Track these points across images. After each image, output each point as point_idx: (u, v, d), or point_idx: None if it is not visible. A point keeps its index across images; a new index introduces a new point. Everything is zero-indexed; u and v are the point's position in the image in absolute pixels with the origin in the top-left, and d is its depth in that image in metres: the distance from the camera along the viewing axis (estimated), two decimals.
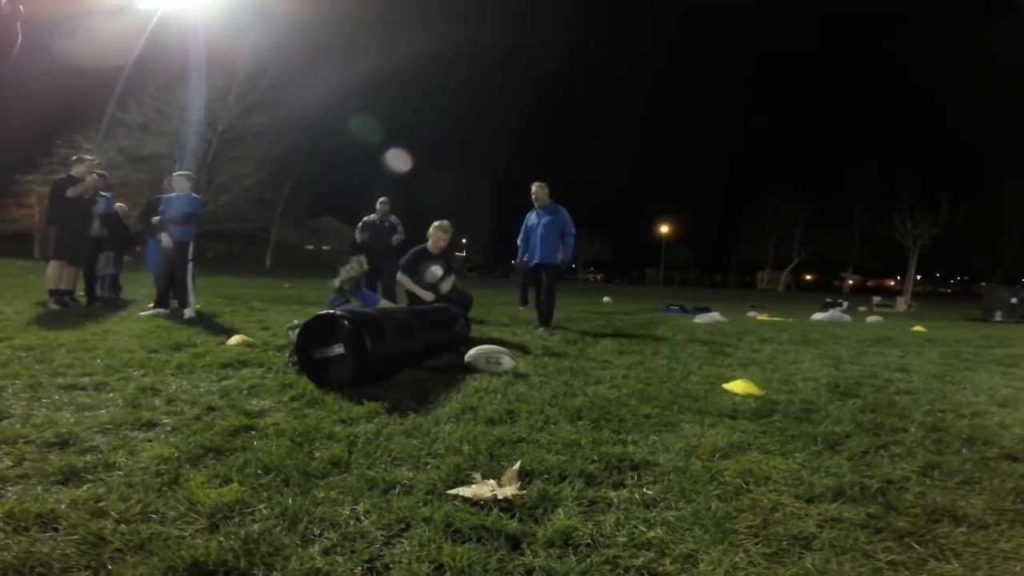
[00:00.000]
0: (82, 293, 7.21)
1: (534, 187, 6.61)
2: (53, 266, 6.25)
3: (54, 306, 6.01)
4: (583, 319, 8.49)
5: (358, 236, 8.51)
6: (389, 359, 3.19)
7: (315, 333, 3.09)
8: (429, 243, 5.68)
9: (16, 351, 3.52)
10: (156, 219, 6.58)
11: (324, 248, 61.93)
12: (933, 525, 1.60)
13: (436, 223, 5.71)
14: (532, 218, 6.72)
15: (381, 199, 8.49)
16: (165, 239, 6.30)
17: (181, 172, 6.88)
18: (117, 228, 7.53)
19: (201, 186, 27.69)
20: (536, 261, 6.59)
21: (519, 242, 6.93)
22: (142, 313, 6.01)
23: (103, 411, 2.39)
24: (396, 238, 8.42)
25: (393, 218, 8.51)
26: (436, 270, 5.61)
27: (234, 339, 4.39)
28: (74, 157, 6.83)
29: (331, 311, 3.19)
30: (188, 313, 6.16)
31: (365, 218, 8.51)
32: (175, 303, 6.63)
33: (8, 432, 2.03)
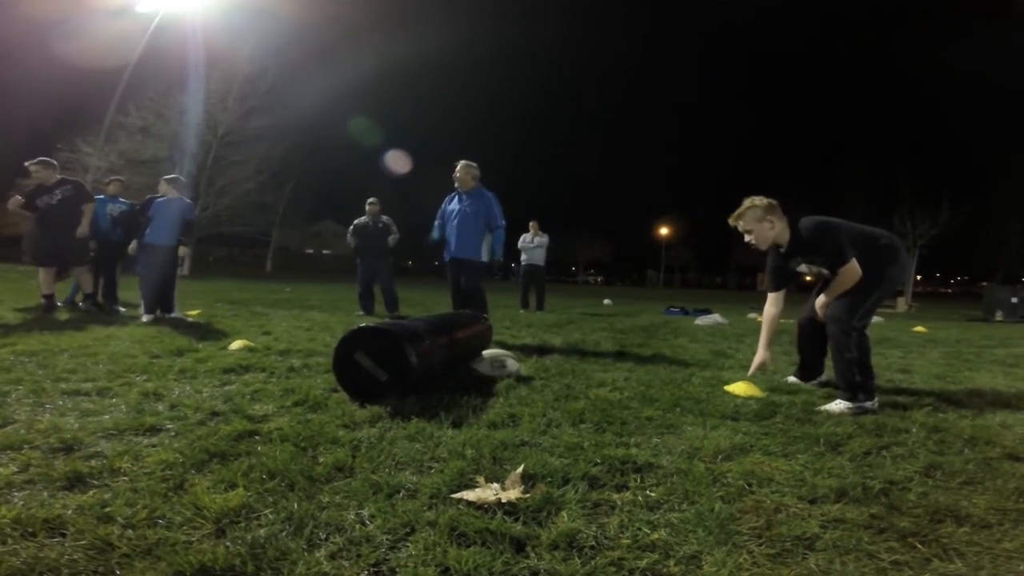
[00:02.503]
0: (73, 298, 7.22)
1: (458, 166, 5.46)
2: (41, 272, 6.32)
3: (42, 311, 6.06)
4: (584, 321, 8.49)
5: (350, 240, 8.31)
6: (425, 377, 3.05)
7: (367, 343, 2.91)
8: None
9: (19, 356, 3.53)
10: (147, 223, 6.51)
11: (325, 252, 62.00)
12: (936, 525, 1.61)
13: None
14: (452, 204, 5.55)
15: (370, 200, 8.29)
16: (132, 246, 6.26)
17: (175, 176, 6.85)
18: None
19: (201, 190, 27.75)
20: (451, 255, 5.47)
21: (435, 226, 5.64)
22: (143, 318, 6.02)
23: (107, 416, 2.39)
24: (392, 238, 8.22)
25: (385, 218, 8.29)
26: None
27: (236, 344, 4.40)
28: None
29: (394, 332, 2.92)
30: (175, 314, 6.26)
31: (356, 221, 8.29)
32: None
33: (13, 438, 2.03)
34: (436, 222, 5.64)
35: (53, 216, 6.24)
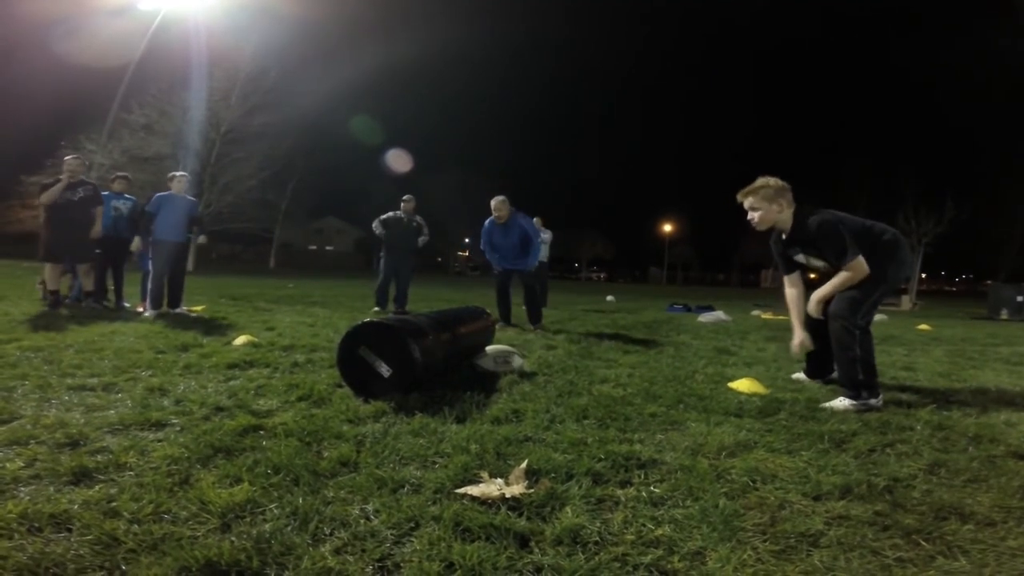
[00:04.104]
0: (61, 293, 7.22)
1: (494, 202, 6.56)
2: (47, 268, 6.36)
3: (47, 307, 6.08)
4: (587, 318, 8.49)
5: (378, 229, 8.18)
6: (428, 373, 3.06)
7: (371, 338, 2.92)
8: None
9: (24, 352, 3.54)
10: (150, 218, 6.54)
11: (327, 248, 62.05)
12: (940, 523, 1.60)
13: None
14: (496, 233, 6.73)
15: (405, 197, 8.27)
16: (136, 243, 6.33)
17: (183, 173, 6.89)
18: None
19: (204, 187, 27.81)
20: (506, 267, 6.78)
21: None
22: (146, 314, 6.04)
23: (112, 411, 2.40)
24: (423, 239, 8.26)
25: (419, 218, 8.29)
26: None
27: (240, 339, 4.41)
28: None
29: (398, 328, 2.95)
30: (182, 310, 6.31)
31: (389, 213, 8.22)
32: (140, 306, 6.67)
33: (19, 433, 2.04)
34: (485, 249, 6.80)
35: (70, 214, 6.33)
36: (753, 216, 3.33)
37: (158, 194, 6.57)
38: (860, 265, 3.07)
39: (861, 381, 2.98)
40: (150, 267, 6.45)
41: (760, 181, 3.31)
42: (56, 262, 6.34)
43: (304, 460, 1.88)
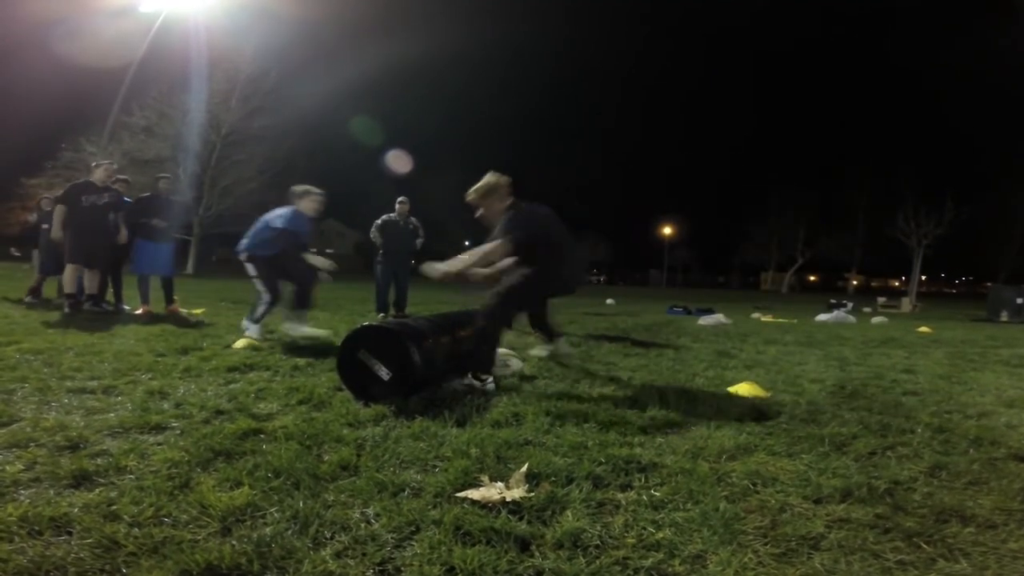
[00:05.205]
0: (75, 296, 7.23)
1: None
2: (68, 269, 6.34)
3: (67, 309, 6.06)
4: (587, 321, 8.49)
5: (376, 236, 8.00)
6: (428, 376, 3.06)
7: (370, 341, 2.93)
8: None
9: (24, 354, 3.54)
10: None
11: (328, 251, 62.04)
12: (941, 525, 1.60)
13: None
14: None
15: (400, 199, 8.07)
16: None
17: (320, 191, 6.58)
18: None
19: (205, 189, 27.86)
20: None
21: None
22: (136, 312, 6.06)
23: (112, 414, 2.40)
24: (420, 242, 8.10)
25: (414, 220, 8.12)
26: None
27: (240, 342, 4.41)
28: (94, 164, 7.11)
29: (397, 331, 2.95)
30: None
31: (385, 217, 8.01)
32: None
33: (19, 436, 2.04)
34: None
35: (94, 217, 6.39)
36: (478, 212, 3.57)
37: (290, 210, 5.52)
38: (496, 248, 3.26)
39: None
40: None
41: (482, 180, 3.52)
42: (78, 263, 6.36)
43: (304, 464, 1.88)
